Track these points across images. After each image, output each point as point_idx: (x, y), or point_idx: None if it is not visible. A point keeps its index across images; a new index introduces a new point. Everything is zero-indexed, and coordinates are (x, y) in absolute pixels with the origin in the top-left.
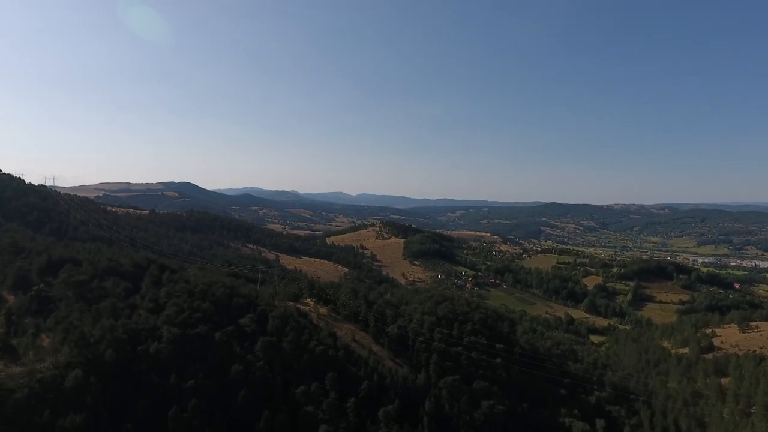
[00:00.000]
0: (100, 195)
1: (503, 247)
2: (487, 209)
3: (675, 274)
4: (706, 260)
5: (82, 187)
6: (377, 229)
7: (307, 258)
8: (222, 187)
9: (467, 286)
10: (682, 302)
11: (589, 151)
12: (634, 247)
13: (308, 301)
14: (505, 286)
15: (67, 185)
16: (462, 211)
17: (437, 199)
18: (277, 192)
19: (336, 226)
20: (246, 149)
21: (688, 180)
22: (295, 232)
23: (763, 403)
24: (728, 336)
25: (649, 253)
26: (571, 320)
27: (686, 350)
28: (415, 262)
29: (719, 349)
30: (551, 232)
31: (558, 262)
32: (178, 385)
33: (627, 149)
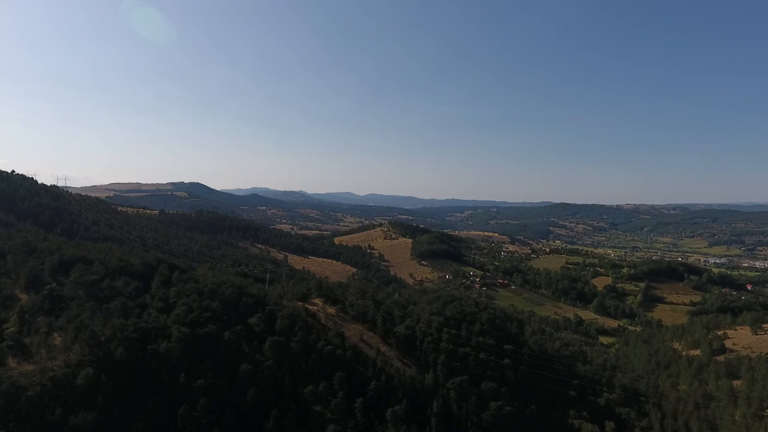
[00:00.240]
0: (111, 195)
1: (511, 248)
2: (495, 209)
3: (686, 275)
4: (717, 261)
5: (94, 188)
6: (385, 229)
7: (315, 258)
8: (231, 188)
9: (475, 286)
10: (693, 303)
11: (599, 151)
12: (645, 248)
13: (316, 301)
14: (513, 287)
15: (79, 185)
16: (470, 212)
17: (445, 200)
18: (285, 192)
19: (344, 226)
20: (254, 149)
21: (700, 180)
22: (303, 232)
23: None
24: (740, 338)
25: (659, 253)
26: (581, 321)
27: (697, 352)
28: (423, 262)
29: (731, 351)
30: (560, 232)
31: (567, 263)
32: (188, 383)
33: (637, 149)
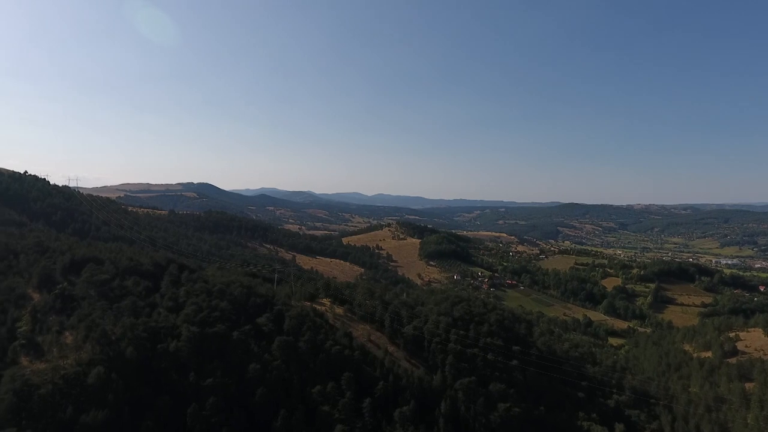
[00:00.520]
0: (122, 195)
1: (520, 248)
2: (503, 210)
3: (697, 276)
4: (729, 262)
5: (104, 188)
6: (393, 229)
7: (323, 258)
8: (239, 188)
9: (483, 286)
10: (704, 305)
11: (608, 150)
12: (655, 248)
13: (324, 301)
14: (522, 287)
15: (90, 186)
16: (478, 212)
17: (453, 200)
18: (293, 192)
19: (352, 226)
20: (263, 150)
21: (711, 180)
22: (311, 232)
23: None
24: (753, 340)
25: (670, 254)
26: (590, 322)
27: (709, 354)
28: (431, 262)
29: (743, 353)
30: (569, 232)
31: (576, 263)
32: (197, 383)
33: (648, 149)
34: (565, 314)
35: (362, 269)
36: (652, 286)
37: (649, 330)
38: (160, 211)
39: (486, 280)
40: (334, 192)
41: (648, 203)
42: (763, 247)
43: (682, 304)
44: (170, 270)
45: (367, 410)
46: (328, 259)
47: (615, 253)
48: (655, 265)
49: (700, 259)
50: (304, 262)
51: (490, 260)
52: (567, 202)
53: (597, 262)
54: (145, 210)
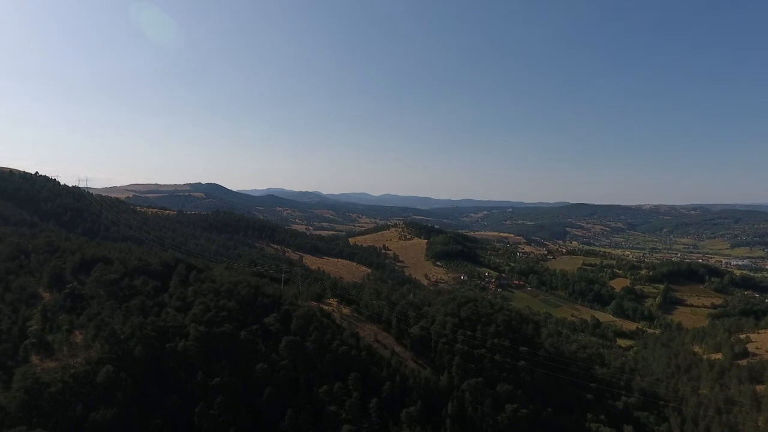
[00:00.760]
0: (131, 196)
1: (527, 248)
2: (511, 210)
3: (707, 277)
4: (739, 263)
5: (114, 189)
6: (400, 229)
7: (330, 258)
8: (247, 188)
9: (491, 287)
10: (714, 306)
11: (617, 150)
12: (664, 249)
13: (331, 301)
14: (529, 288)
15: (99, 186)
16: (485, 212)
17: (460, 200)
18: (300, 193)
19: (359, 226)
20: (270, 151)
21: (721, 180)
22: (318, 232)
23: None
24: (764, 341)
25: (679, 255)
26: (598, 323)
27: (719, 356)
28: (438, 262)
29: (754, 355)
30: (577, 233)
31: (584, 264)
32: (205, 382)
33: (657, 149)
34: (573, 315)
35: (369, 269)
36: (661, 287)
37: (658, 331)
38: (168, 212)
39: (493, 280)
40: (342, 192)
41: (657, 203)
42: None
43: (691, 306)
44: (178, 270)
45: (374, 410)
46: (335, 260)
47: (623, 254)
48: (664, 265)
49: (709, 259)
50: (311, 262)
51: (498, 261)
52: (575, 202)
53: (605, 262)
54: (154, 210)
